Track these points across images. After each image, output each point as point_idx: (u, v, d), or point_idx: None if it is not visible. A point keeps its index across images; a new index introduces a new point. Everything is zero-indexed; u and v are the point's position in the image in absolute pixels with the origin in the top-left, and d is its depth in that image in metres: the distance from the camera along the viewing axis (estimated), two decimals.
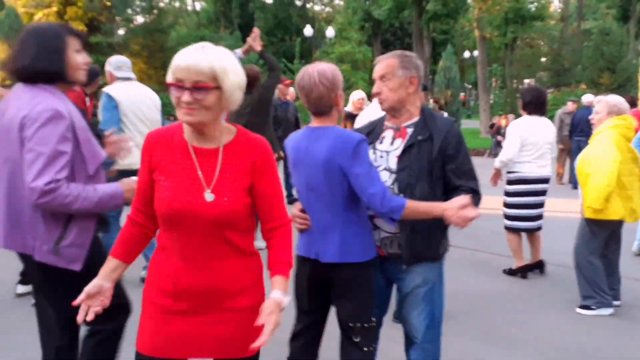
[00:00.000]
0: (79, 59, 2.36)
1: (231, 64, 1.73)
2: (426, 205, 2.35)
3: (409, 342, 2.62)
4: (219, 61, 1.69)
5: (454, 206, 2.28)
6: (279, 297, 1.77)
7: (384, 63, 2.52)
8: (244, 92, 1.81)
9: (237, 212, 1.79)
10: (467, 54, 34.53)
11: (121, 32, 24.43)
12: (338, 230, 2.39)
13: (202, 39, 34.55)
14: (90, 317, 1.84)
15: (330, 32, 26.93)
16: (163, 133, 1.87)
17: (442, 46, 32.95)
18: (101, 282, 1.88)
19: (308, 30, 26.04)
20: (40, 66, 2.26)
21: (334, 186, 2.37)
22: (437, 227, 2.47)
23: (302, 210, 2.50)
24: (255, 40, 4.99)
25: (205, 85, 1.67)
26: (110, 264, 1.91)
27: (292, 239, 1.90)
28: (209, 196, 1.77)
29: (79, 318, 1.86)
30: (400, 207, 2.30)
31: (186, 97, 1.67)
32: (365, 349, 2.47)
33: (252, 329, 1.74)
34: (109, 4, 21.75)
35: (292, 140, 2.54)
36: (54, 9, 20.39)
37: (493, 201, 5.49)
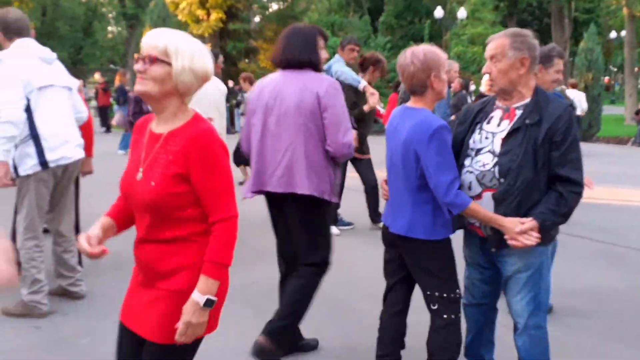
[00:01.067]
0: (323, 54, 3.10)
1: (189, 49, 1.82)
2: (488, 215, 2.38)
3: (515, 327, 2.59)
4: (174, 41, 1.81)
5: (513, 229, 2.31)
6: (195, 297, 1.77)
7: (495, 43, 2.46)
8: (198, 80, 1.84)
9: (162, 199, 1.79)
10: (613, 34, 31.80)
11: (257, 19, 25.46)
12: (409, 207, 2.54)
13: (332, 24, 35.10)
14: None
15: (462, 13, 26.06)
16: (143, 120, 2.01)
17: (585, 26, 30.59)
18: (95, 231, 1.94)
19: (438, 12, 25.44)
20: (305, 58, 2.98)
21: (408, 166, 2.50)
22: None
23: (386, 182, 2.72)
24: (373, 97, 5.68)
25: (154, 56, 1.79)
26: (103, 220, 1.99)
27: (231, 237, 1.84)
28: (138, 175, 1.85)
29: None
30: (461, 206, 2.38)
31: (138, 65, 1.81)
32: (445, 316, 2.57)
33: (176, 316, 1.79)
34: None
35: (391, 115, 2.72)
36: None
37: (630, 193, 5.14)
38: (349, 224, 6.30)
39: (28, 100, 3.44)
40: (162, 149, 1.84)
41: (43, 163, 3.54)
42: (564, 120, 2.35)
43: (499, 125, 2.49)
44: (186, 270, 1.84)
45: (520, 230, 2.30)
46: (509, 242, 2.35)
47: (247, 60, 25.53)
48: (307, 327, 3.67)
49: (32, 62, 3.52)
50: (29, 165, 3.52)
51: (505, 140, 2.42)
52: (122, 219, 2.02)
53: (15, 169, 3.56)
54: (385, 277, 2.87)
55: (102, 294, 4.19)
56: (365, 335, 3.62)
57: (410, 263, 2.66)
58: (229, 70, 22.62)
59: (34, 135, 3.50)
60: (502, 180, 2.38)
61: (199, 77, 1.85)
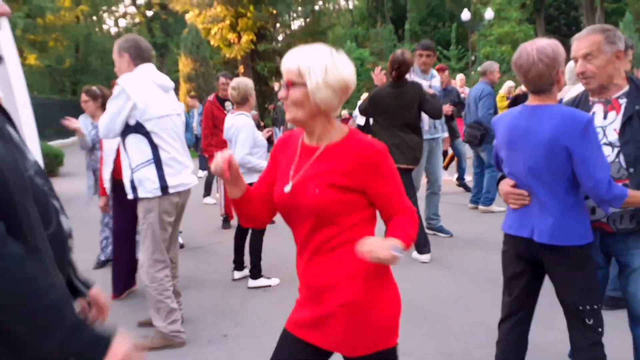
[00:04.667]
0: None
1: (321, 63, 1.75)
2: None
3: (636, 320, 2.55)
4: (306, 60, 1.75)
5: None
6: (390, 242, 1.69)
7: (587, 40, 2.42)
8: (337, 93, 1.78)
9: (325, 205, 1.79)
10: None
11: (280, 37, 25.78)
12: (558, 213, 2.33)
13: (356, 36, 35.31)
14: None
15: (489, 13, 25.90)
16: (290, 134, 2.02)
17: (614, 15, 30.06)
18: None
19: (465, 15, 25.29)
20: None
21: (556, 168, 2.29)
22: None
23: (515, 186, 2.48)
24: None
25: (292, 82, 1.76)
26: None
27: (414, 220, 1.86)
28: (286, 188, 1.86)
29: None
30: (623, 195, 2.26)
31: (281, 92, 1.80)
32: (600, 329, 2.41)
33: (352, 328, 1.81)
34: (275, 12, 23.06)
35: (507, 118, 2.50)
36: (227, 22, 22.08)
37: None
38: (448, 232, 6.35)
39: (143, 126, 3.51)
40: (322, 160, 1.85)
41: (164, 187, 3.57)
42: None
43: (605, 118, 2.49)
44: (350, 281, 1.83)
45: None
46: None
47: (276, 79, 25.88)
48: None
49: (152, 89, 3.57)
50: (150, 188, 3.55)
51: (622, 130, 2.42)
52: (251, 199, 1.98)
53: (134, 191, 3.60)
54: (508, 291, 2.65)
55: (195, 317, 4.28)
56: (458, 341, 3.63)
57: (559, 275, 2.44)
58: (261, 90, 22.95)
59: (156, 160, 3.54)
60: (631, 170, 2.39)
61: (337, 90, 1.78)
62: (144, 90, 3.50)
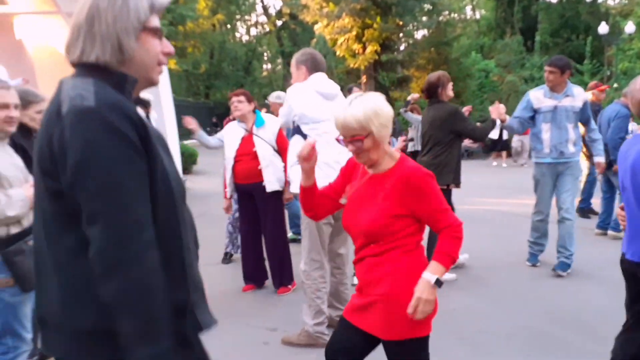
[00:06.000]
0: None
1: (372, 109, 2.08)
2: None
3: None
4: (362, 113, 2.07)
5: None
6: (426, 276, 2.07)
7: None
8: (390, 122, 2.14)
9: (372, 230, 2.15)
10: None
11: (402, 47, 25.81)
12: None
13: (481, 47, 34.40)
14: None
15: (629, 27, 24.24)
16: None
17: None
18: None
19: (603, 28, 23.87)
20: None
21: (637, 189, 2.50)
22: None
23: (622, 208, 2.69)
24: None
25: (358, 138, 2.10)
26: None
27: (457, 237, 2.13)
28: (342, 200, 2.31)
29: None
30: None
31: (350, 147, 2.15)
32: None
33: (391, 316, 2.13)
34: (401, 23, 23.25)
35: (626, 143, 2.76)
36: (354, 33, 22.64)
37: None
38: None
39: (300, 128, 3.93)
40: (375, 186, 2.21)
41: None
42: None
43: None
44: (390, 277, 2.17)
45: None
46: None
47: (397, 89, 25.97)
48: None
49: (312, 96, 3.91)
50: (297, 186, 3.73)
51: None
52: (317, 194, 2.41)
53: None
54: (627, 311, 2.81)
55: None
56: None
57: None
58: None
59: None
60: None
61: (389, 123, 2.15)
62: (303, 97, 3.90)
